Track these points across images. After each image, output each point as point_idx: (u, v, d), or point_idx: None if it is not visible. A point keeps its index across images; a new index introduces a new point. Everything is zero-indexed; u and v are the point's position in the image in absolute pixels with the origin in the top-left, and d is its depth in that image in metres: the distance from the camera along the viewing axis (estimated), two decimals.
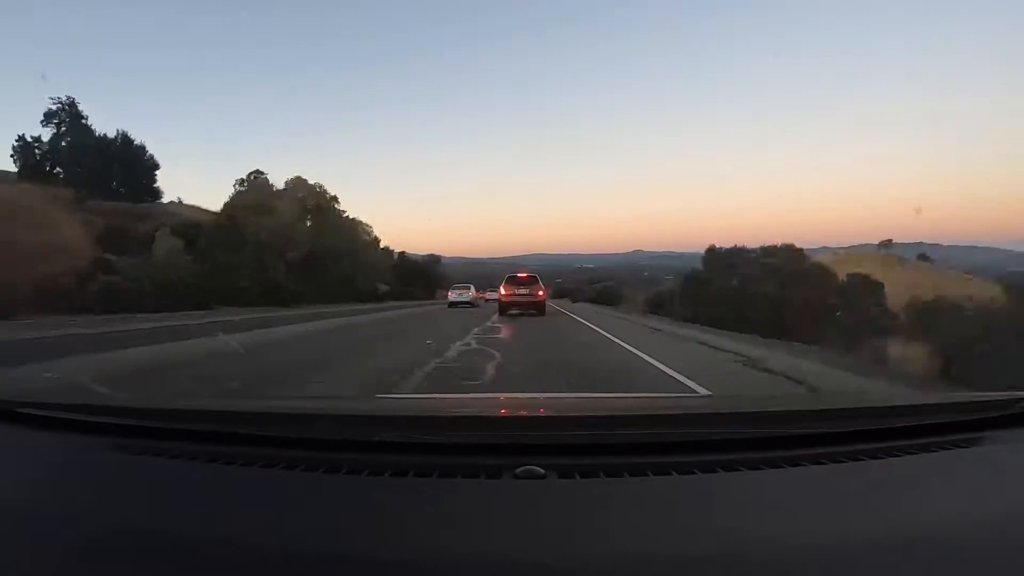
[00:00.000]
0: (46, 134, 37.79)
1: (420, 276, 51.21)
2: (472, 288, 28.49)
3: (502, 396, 2.33)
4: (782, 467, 0.86)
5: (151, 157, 41.88)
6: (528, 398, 1.91)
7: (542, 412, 1.31)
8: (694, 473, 0.83)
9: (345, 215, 39.20)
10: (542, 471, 0.81)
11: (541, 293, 17.69)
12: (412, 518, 0.74)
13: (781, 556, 0.66)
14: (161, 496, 0.84)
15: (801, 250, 20.73)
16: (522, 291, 17.49)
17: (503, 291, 17.90)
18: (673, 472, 0.83)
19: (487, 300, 30.05)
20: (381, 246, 45.85)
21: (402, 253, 52.08)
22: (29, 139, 37.46)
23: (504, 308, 17.25)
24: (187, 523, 0.74)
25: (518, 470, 0.82)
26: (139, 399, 1.49)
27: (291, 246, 30.64)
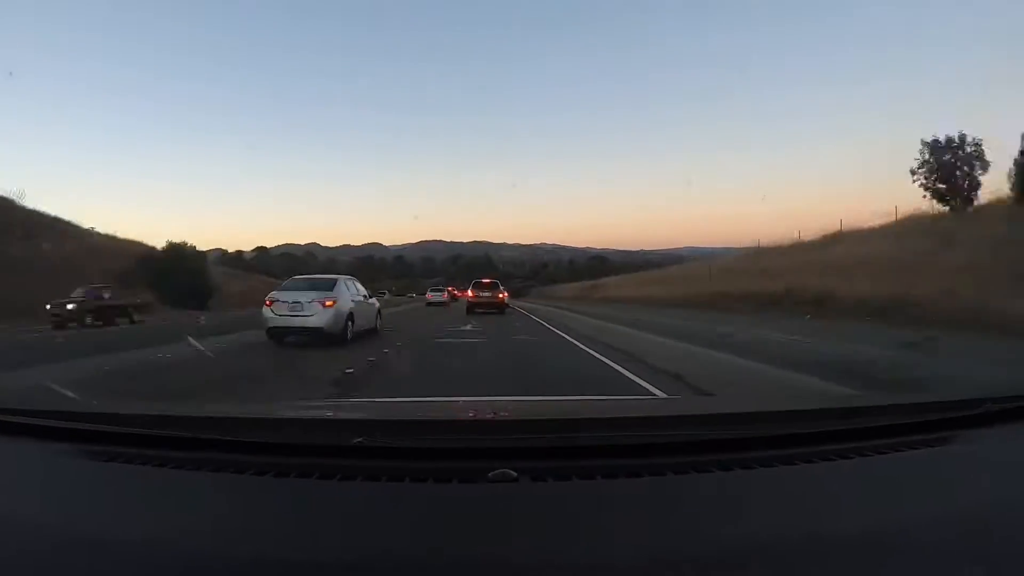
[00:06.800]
0: None
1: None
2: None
3: (474, 399, 2.33)
4: (753, 468, 0.87)
5: None
6: (499, 401, 1.90)
7: (514, 416, 1.32)
8: (665, 475, 0.84)
9: None
10: (515, 474, 0.82)
11: (502, 296, 20.99)
12: (386, 523, 0.74)
13: (757, 555, 0.67)
14: (132, 503, 0.83)
15: None
16: (486, 294, 20.57)
17: (470, 294, 21.17)
18: (645, 474, 0.84)
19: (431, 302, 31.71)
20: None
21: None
22: None
23: (471, 308, 20.08)
24: (157, 530, 0.73)
25: (491, 474, 0.82)
26: (106, 404, 1.46)
27: None
